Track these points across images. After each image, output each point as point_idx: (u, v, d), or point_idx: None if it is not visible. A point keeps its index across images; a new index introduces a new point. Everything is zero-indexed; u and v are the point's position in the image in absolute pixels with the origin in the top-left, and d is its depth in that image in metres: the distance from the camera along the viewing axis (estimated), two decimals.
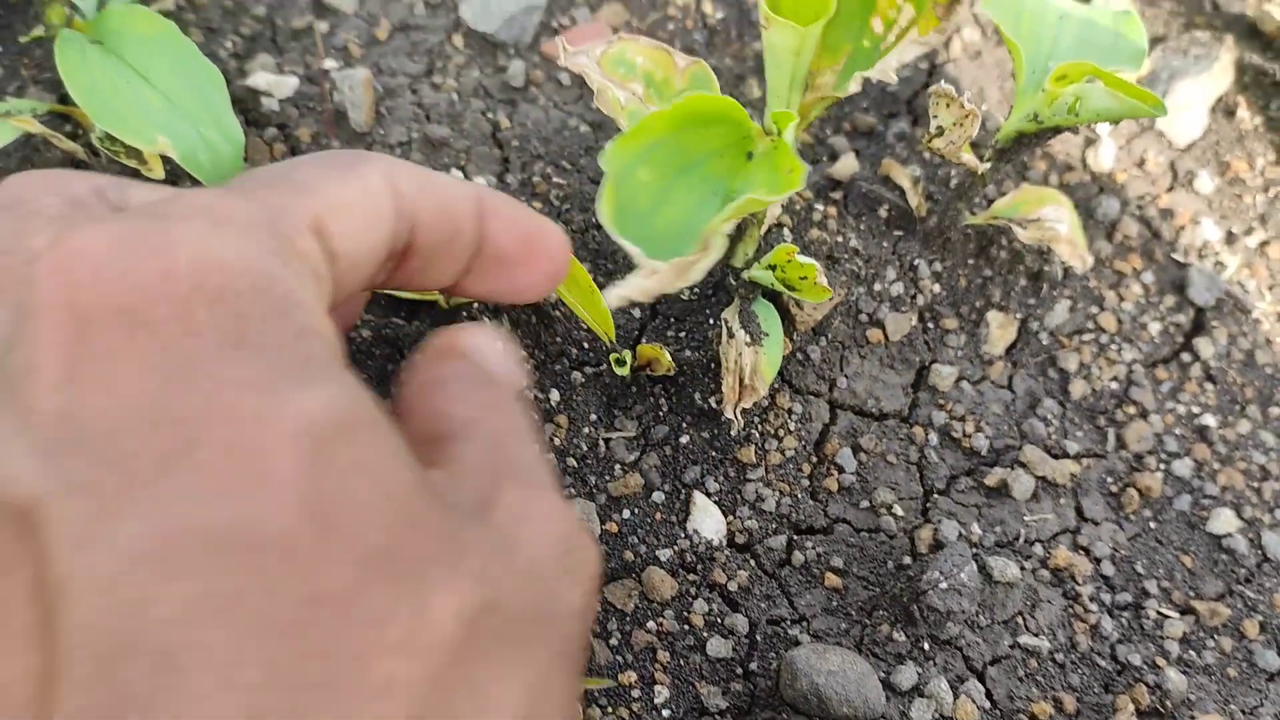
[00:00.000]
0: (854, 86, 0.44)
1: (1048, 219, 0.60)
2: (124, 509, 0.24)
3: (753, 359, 0.50)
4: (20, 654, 0.24)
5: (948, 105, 0.53)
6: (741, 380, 0.50)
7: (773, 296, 0.57)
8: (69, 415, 0.25)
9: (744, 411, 0.53)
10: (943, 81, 0.71)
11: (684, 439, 0.55)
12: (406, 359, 0.40)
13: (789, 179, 0.40)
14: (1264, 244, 0.68)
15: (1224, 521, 0.56)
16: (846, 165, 0.65)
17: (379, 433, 0.28)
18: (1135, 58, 0.58)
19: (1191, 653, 0.52)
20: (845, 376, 0.58)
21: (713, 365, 0.56)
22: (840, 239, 0.61)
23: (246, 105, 0.63)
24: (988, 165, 0.56)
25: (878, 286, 0.60)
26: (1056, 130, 0.54)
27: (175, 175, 0.58)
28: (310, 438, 0.26)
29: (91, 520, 0.24)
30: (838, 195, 0.64)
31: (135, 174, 0.58)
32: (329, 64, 0.66)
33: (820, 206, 0.62)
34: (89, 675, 0.23)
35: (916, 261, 0.61)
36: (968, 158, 0.55)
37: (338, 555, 0.25)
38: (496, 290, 0.38)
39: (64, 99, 0.64)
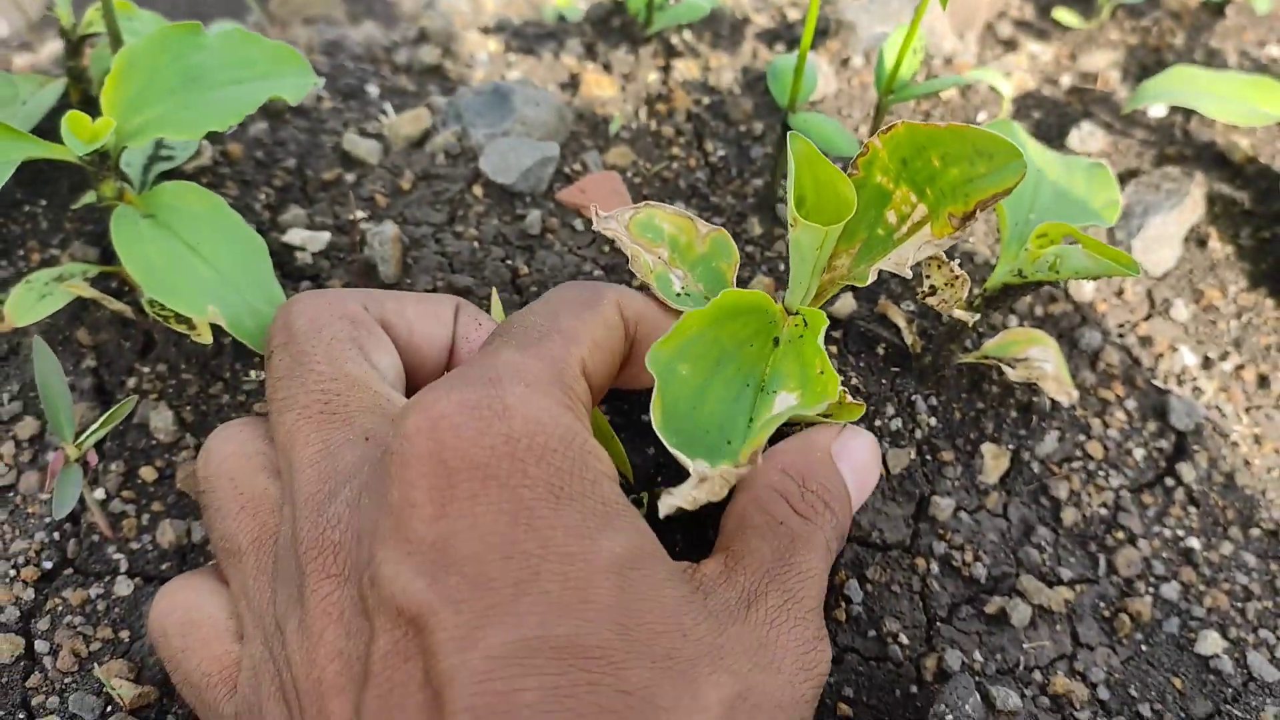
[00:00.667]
0: (871, 276, 0.48)
1: (1035, 359, 0.64)
2: (491, 621, 0.33)
3: None
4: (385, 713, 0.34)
5: (939, 268, 0.58)
6: None
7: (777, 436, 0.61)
8: (442, 544, 0.35)
9: None
10: None
11: None
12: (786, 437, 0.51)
13: (823, 383, 0.44)
14: (1239, 368, 0.72)
15: (1211, 643, 0.60)
16: (845, 304, 0.69)
17: (660, 564, 0.38)
18: (1109, 210, 0.63)
19: None
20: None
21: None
22: (842, 377, 0.64)
23: (282, 259, 0.67)
24: (977, 316, 0.61)
25: (878, 422, 0.64)
26: (1040, 284, 0.59)
27: (219, 332, 0.62)
28: (617, 573, 0.35)
29: (469, 628, 0.33)
30: (838, 334, 0.68)
31: (183, 338, 0.62)
32: (358, 214, 0.71)
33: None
34: None
35: (913, 397, 0.65)
36: (960, 314, 0.60)
37: (639, 660, 0.34)
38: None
39: (106, 255, 0.68)
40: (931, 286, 0.58)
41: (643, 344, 0.47)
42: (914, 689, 0.56)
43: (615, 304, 0.46)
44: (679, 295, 0.52)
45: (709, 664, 0.36)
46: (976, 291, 0.62)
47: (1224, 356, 0.73)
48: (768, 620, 0.41)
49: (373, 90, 0.87)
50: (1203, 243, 0.78)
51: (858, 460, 0.50)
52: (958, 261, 0.57)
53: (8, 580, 0.57)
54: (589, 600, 0.34)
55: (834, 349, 0.66)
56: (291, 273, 0.67)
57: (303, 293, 0.53)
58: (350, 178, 0.74)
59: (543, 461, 0.37)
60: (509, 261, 0.69)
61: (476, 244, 0.70)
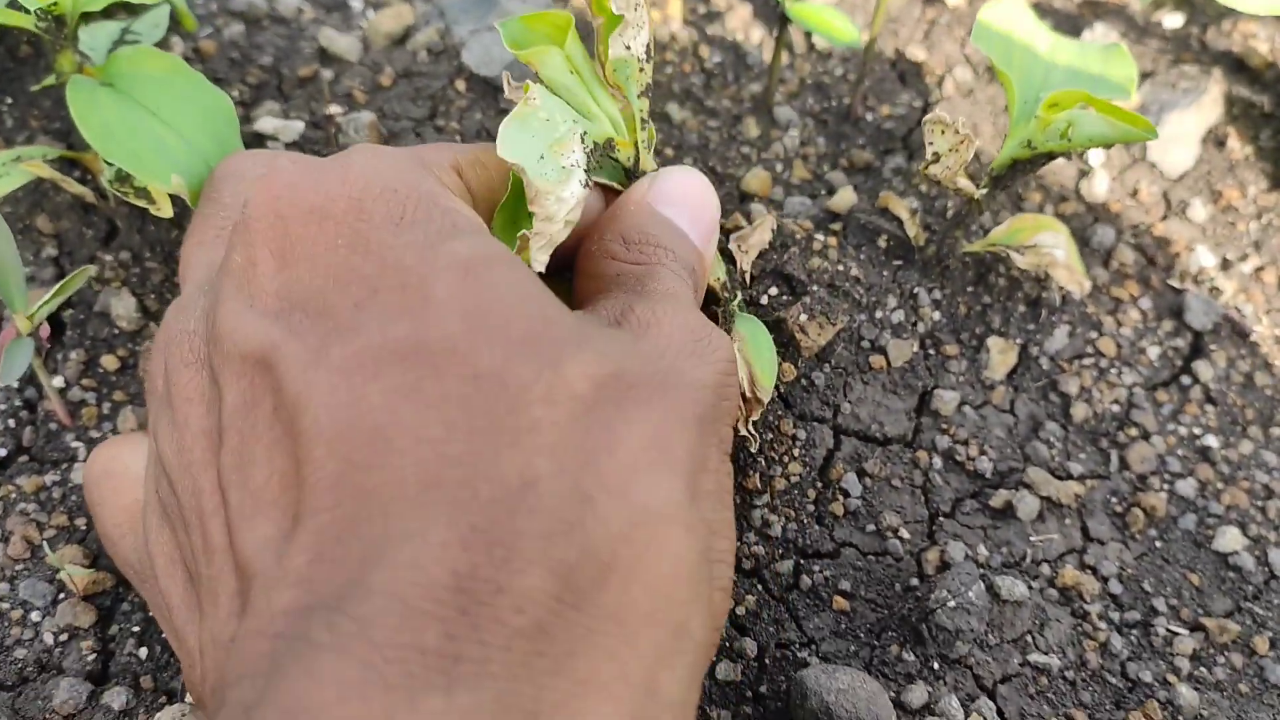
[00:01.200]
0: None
1: (1045, 245, 0.60)
2: (332, 341, 0.33)
3: (746, 371, 0.50)
4: (269, 461, 0.33)
5: (943, 132, 0.54)
6: (744, 396, 0.50)
7: (774, 326, 0.57)
8: (284, 290, 0.35)
9: (755, 426, 0.54)
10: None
11: None
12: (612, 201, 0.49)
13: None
14: (1259, 269, 0.69)
15: (1230, 539, 0.56)
16: (844, 198, 0.66)
17: (516, 265, 0.36)
18: (1125, 87, 0.59)
19: (1202, 669, 0.52)
20: (849, 403, 0.58)
21: None
22: (841, 268, 0.61)
23: (254, 148, 0.64)
24: (984, 192, 0.57)
25: (879, 314, 0.61)
26: (1050, 156, 0.55)
27: (183, 213, 0.59)
28: (460, 268, 0.34)
29: (310, 352, 0.33)
30: (837, 226, 0.64)
31: (145, 219, 0.59)
32: (334, 109, 0.68)
33: (821, 237, 0.63)
34: (327, 453, 0.31)
35: (916, 290, 0.62)
36: (964, 184, 0.56)
37: (489, 344, 0.33)
38: None
39: (72, 145, 0.65)
40: (935, 154, 0.55)
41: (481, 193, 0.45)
42: (915, 581, 0.53)
43: (483, 148, 0.46)
44: None
45: (575, 346, 0.34)
46: (984, 175, 0.59)
47: (1243, 258, 0.69)
48: (640, 323, 0.39)
49: (355, 3, 0.84)
50: (1221, 143, 0.74)
51: (675, 196, 0.47)
52: (962, 120, 0.54)
53: None
54: (429, 298, 0.34)
55: (834, 240, 0.63)
56: None
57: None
58: (328, 74, 0.71)
59: (381, 199, 0.36)
60: None
61: (459, 137, 0.67)
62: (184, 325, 0.39)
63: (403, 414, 0.31)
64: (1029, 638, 0.51)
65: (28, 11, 0.53)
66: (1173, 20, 0.86)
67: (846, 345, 0.59)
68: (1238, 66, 0.80)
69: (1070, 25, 0.86)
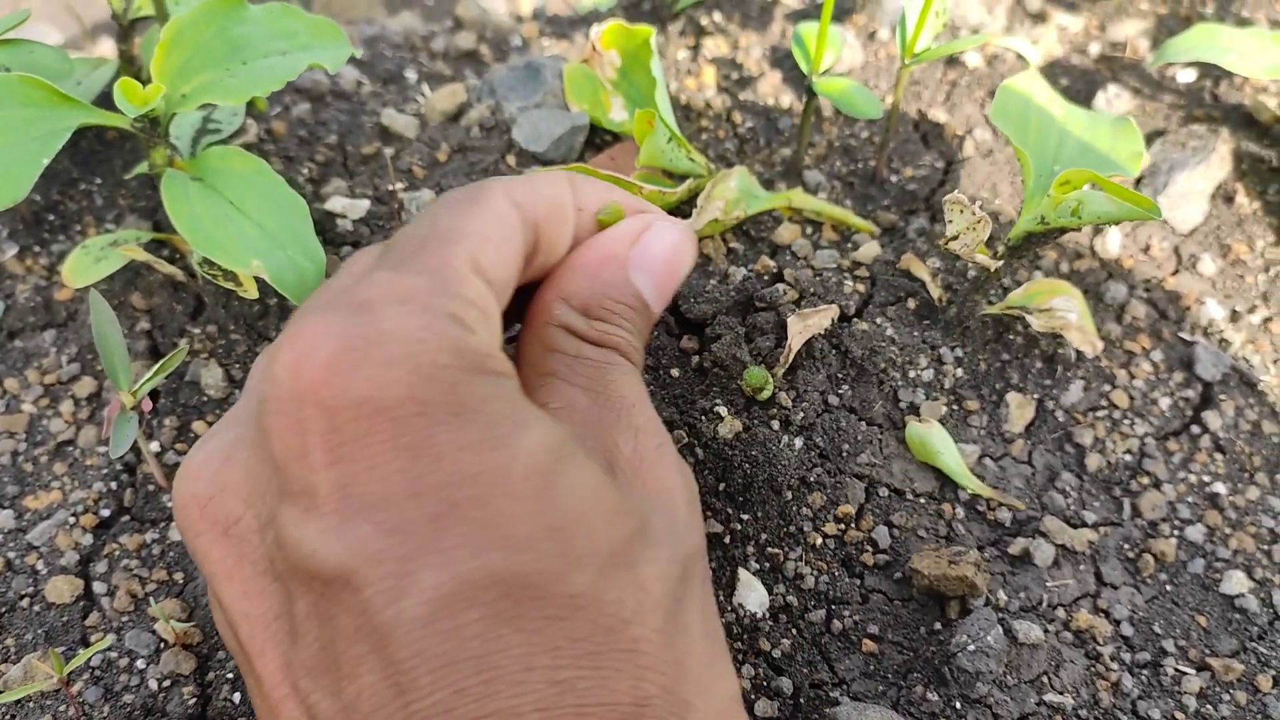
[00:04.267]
0: None
1: (1059, 309, 0.65)
2: (417, 566, 0.32)
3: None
4: (357, 676, 0.33)
5: (961, 212, 0.59)
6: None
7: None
8: (342, 493, 0.33)
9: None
10: (959, 182, 0.77)
11: (735, 524, 0.60)
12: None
13: None
14: (1267, 320, 0.73)
15: (1236, 583, 0.60)
16: (869, 250, 0.71)
17: (577, 449, 0.37)
18: (1133, 161, 0.63)
19: (1208, 706, 0.56)
20: (884, 458, 0.63)
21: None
22: (875, 327, 0.66)
23: (324, 226, 0.70)
24: (1000, 263, 0.62)
25: (912, 373, 0.65)
26: (1062, 231, 0.60)
27: (266, 292, 0.64)
28: (538, 477, 0.34)
29: (395, 579, 0.32)
30: (863, 288, 0.69)
31: (229, 296, 0.65)
32: (397, 186, 0.73)
33: (853, 285, 0.68)
34: (432, 683, 0.31)
35: (940, 349, 0.66)
36: (981, 258, 0.61)
37: (579, 566, 0.34)
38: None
39: (159, 225, 0.71)
40: (955, 233, 0.60)
41: (546, 227, 0.43)
42: (938, 625, 0.58)
43: (503, 194, 0.42)
44: None
45: (641, 543, 0.36)
46: (1000, 242, 0.63)
47: (1252, 309, 0.73)
48: (649, 467, 0.41)
49: (411, 75, 0.90)
50: (1230, 199, 0.78)
51: (658, 260, 0.46)
52: (979, 204, 0.58)
53: (68, 527, 0.60)
54: (515, 516, 0.33)
55: (865, 299, 0.68)
56: (333, 239, 0.70)
57: None
58: (389, 151, 0.77)
59: (433, 382, 0.34)
60: None
61: None
62: (202, 485, 0.38)
63: (508, 642, 0.32)
64: (1045, 678, 0.56)
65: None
66: (1185, 75, 0.90)
67: (884, 403, 0.64)
68: (1247, 121, 0.84)
69: (1087, 82, 0.90)
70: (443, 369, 0.34)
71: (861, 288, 0.68)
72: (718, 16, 0.96)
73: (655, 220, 0.47)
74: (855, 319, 0.66)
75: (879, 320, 0.66)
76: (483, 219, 0.40)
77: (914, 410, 0.64)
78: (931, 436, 0.61)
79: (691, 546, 0.40)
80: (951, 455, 0.61)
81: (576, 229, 0.46)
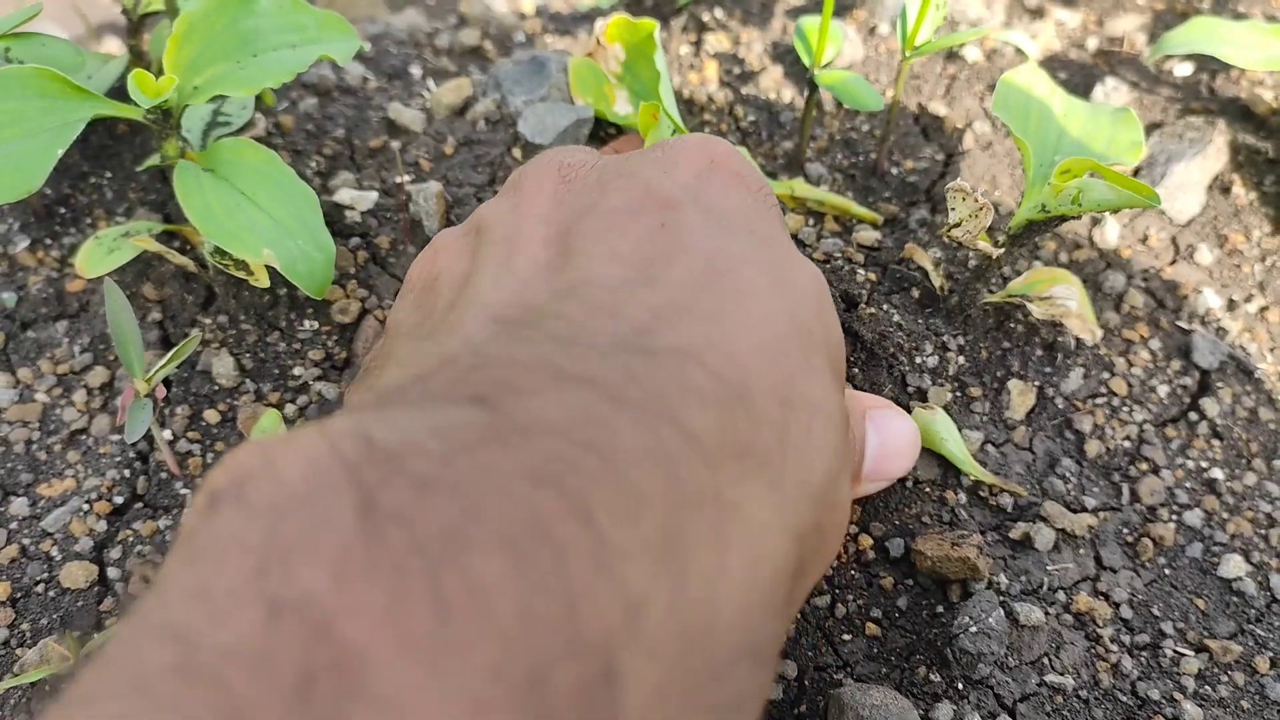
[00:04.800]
0: None
1: (1059, 297, 0.66)
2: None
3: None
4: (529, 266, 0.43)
5: (963, 199, 0.60)
6: None
7: None
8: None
9: None
10: (960, 174, 0.78)
11: None
12: None
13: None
14: (1263, 309, 0.74)
15: (1234, 566, 0.61)
16: (868, 235, 0.72)
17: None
18: (1132, 151, 0.64)
19: (1207, 687, 0.57)
20: None
21: None
22: (882, 310, 0.67)
23: (333, 218, 0.71)
24: (1002, 250, 0.63)
25: (918, 359, 0.66)
26: (1063, 219, 0.61)
27: (276, 282, 0.65)
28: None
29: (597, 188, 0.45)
30: (873, 275, 0.70)
31: (240, 286, 0.65)
32: (404, 178, 0.74)
33: (862, 273, 0.68)
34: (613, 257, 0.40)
35: (943, 336, 0.67)
36: (983, 245, 0.62)
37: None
38: None
39: (169, 217, 0.72)
40: (957, 220, 0.61)
41: None
42: (940, 609, 0.58)
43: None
44: None
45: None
46: (1001, 231, 0.64)
47: (1248, 299, 0.74)
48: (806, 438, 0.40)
49: (416, 71, 0.90)
50: (1226, 190, 0.79)
51: (890, 432, 0.52)
52: (981, 191, 0.59)
53: (82, 514, 0.60)
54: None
55: (873, 287, 0.69)
56: (342, 230, 0.71)
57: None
58: (396, 145, 0.78)
59: (808, 335, 0.40)
60: None
61: None
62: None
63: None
64: (1046, 660, 0.56)
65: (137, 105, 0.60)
66: (1183, 69, 0.91)
67: (893, 387, 0.65)
68: (1244, 114, 0.85)
69: (1085, 75, 0.91)
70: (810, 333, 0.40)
71: (872, 275, 0.69)
72: (719, 12, 0.97)
73: (890, 405, 0.55)
74: (862, 304, 0.67)
75: (885, 307, 0.67)
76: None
77: (921, 395, 0.65)
78: (936, 423, 0.62)
79: (829, 533, 0.40)
80: (955, 442, 0.62)
81: None
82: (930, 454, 0.64)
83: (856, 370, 0.65)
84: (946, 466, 0.64)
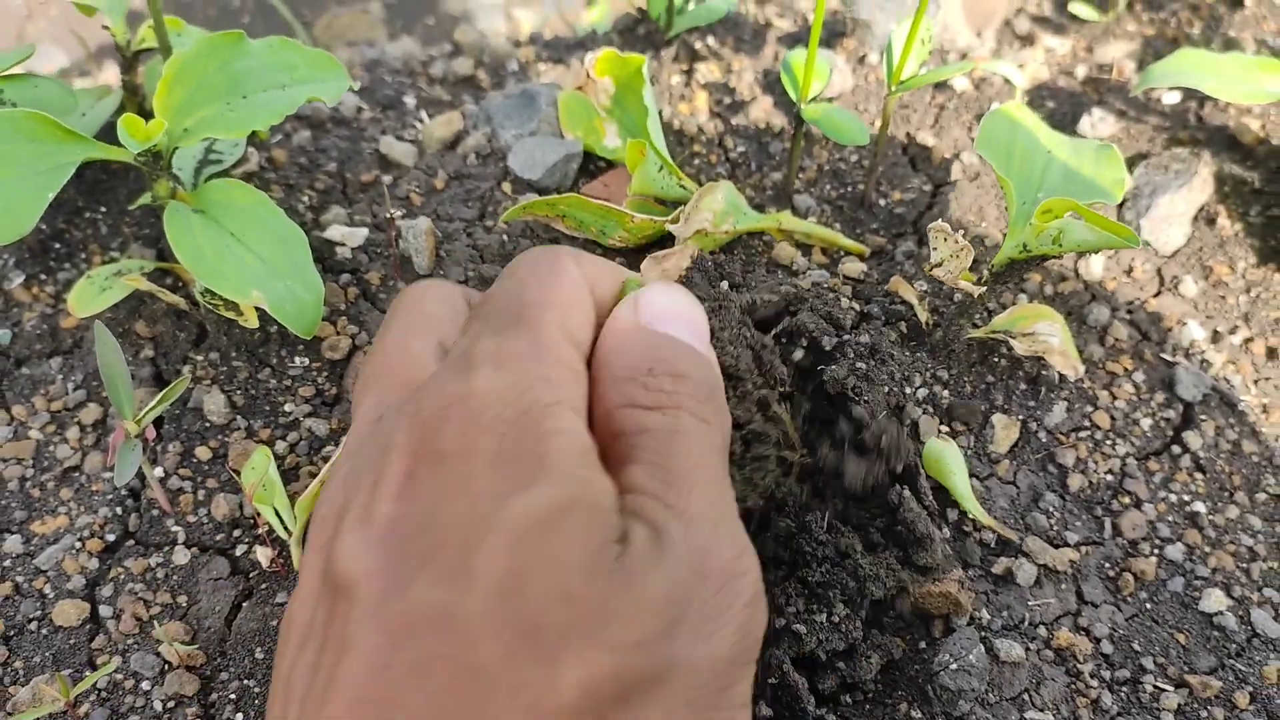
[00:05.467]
0: None
1: (1041, 333, 0.66)
2: (394, 594, 0.33)
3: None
4: (305, 677, 0.35)
5: (945, 240, 0.61)
6: None
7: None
8: (393, 522, 0.35)
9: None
10: (947, 206, 0.78)
11: None
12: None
13: None
14: (1248, 341, 0.74)
15: (1215, 600, 0.62)
16: (853, 266, 0.72)
17: (584, 516, 0.35)
18: (1115, 188, 0.65)
19: None
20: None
21: None
22: (872, 344, 0.67)
23: (323, 254, 0.72)
24: (984, 289, 0.63)
25: (909, 389, 0.67)
26: (1045, 258, 0.61)
27: (266, 320, 0.66)
28: (514, 533, 0.34)
29: (376, 601, 0.34)
30: (866, 306, 0.70)
31: (231, 324, 0.66)
32: (395, 213, 0.75)
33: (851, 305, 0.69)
34: (343, 711, 0.33)
35: (928, 370, 0.68)
36: (965, 284, 0.63)
37: (497, 633, 0.32)
38: None
39: (163, 255, 0.73)
40: (939, 259, 0.61)
41: (603, 303, 0.44)
42: (922, 644, 0.59)
43: (575, 264, 0.44)
44: None
45: (582, 636, 0.33)
46: (985, 267, 0.65)
47: (1233, 330, 0.75)
48: (679, 558, 0.36)
49: (410, 101, 0.91)
50: (1212, 221, 0.80)
51: (668, 309, 0.45)
52: (962, 233, 0.60)
53: (74, 551, 0.61)
54: (471, 568, 0.33)
55: (863, 319, 0.69)
56: (332, 266, 0.72)
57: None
58: (387, 179, 0.79)
59: (489, 432, 0.36)
60: None
61: (505, 237, 0.74)
62: (323, 502, 0.41)
63: (408, 695, 0.32)
64: (1026, 695, 0.57)
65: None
66: (1171, 97, 0.91)
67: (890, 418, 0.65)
68: (1230, 143, 0.86)
69: (1073, 104, 0.91)
70: (503, 421, 0.36)
71: (858, 305, 0.70)
72: (711, 40, 0.98)
73: (640, 288, 0.46)
74: (855, 331, 0.68)
75: (878, 341, 0.68)
76: (565, 288, 0.42)
77: (913, 425, 0.66)
78: (947, 455, 0.62)
79: (670, 669, 0.35)
80: (962, 477, 0.63)
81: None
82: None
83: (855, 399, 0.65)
84: (946, 499, 0.64)
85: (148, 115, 0.78)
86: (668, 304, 0.45)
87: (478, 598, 0.33)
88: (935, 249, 0.61)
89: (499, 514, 0.34)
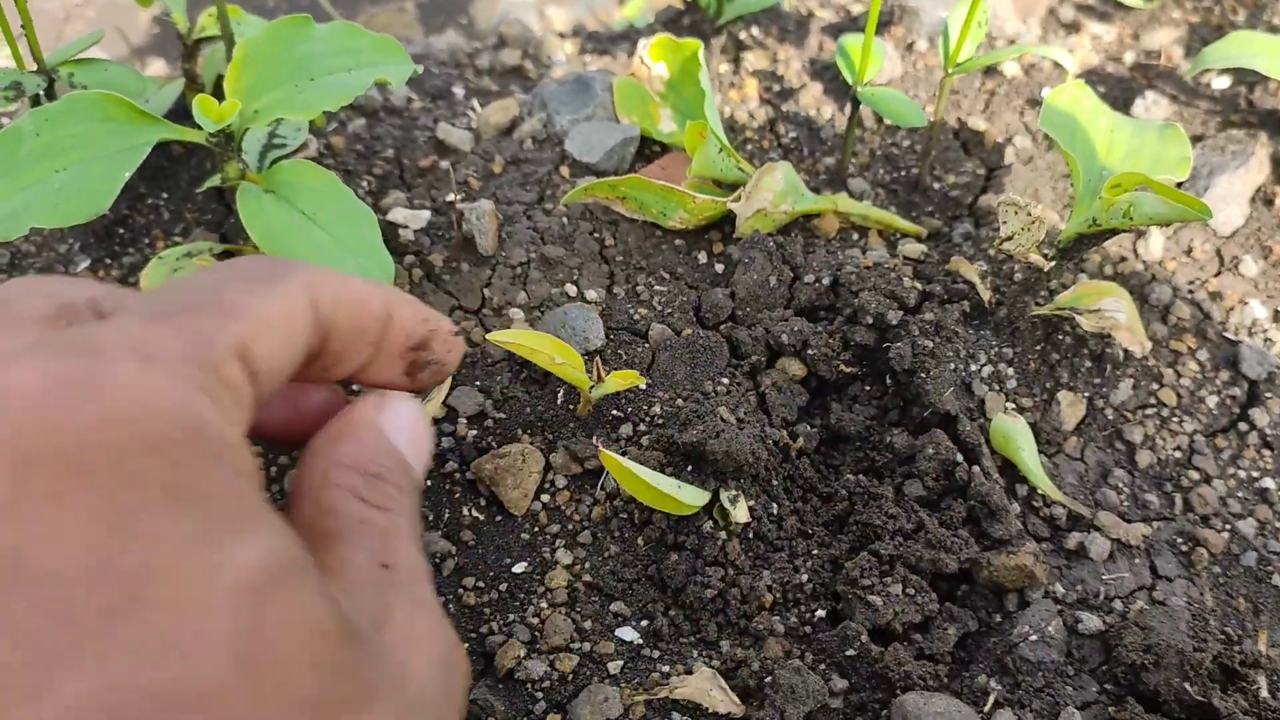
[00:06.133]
0: None
1: (1108, 309, 0.66)
2: (69, 662, 0.26)
3: None
4: None
5: (1015, 213, 0.61)
6: None
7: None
8: (13, 557, 0.27)
9: None
10: (1001, 188, 0.78)
11: None
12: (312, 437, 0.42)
13: None
14: None
15: None
16: (913, 248, 0.73)
17: (306, 578, 0.30)
18: (1180, 166, 0.65)
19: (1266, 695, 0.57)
20: None
21: None
22: (940, 320, 0.67)
23: (387, 236, 0.72)
24: (1053, 264, 0.63)
25: (973, 366, 0.67)
26: (1114, 232, 0.61)
27: None
28: (245, 592, 0.28)
29: (38, 670, 0.25)
30: (921, 284, 0.70)
31: None
32: (455, 197, 0.75)
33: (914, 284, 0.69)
34: None
35: (993, 348, 0.68)
36: (1035, 258, 0.62)
37: (268, 708, 0.27)
38: (393, 380, 0.43)
39: (226, 238, 0.74)
40: (1010, 233, 0.61)
41: (338, 340, 0.39)
42: (999, 618, 0.59)
43: (304, 285, 0.37)
44: None
45: (355, 713, 0.30)
46: (1049, 244, 0.65)
47: None
48: (403, 643, 0.34)
49: (459, 91, 0.92)
50: (1269, 201, 0.80)
51: (406, 426, 0.43)
52: (1035, 205, 0.60)
53: None
54: (204, 632, 0.27)
55: (925, 299, 0.69)
56: (395, 249, 0.72)
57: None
58: (445, 164, 0.79)
59: (155, 455, 0.28)
60: (596, 235, 0.73)
61: (565, 220, 0.74)
62: None
63: None
64: (1104, 668, 0.57)
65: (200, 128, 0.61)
66: (1220, 82, 0.91)
67: (957, 394, 0.65)
68: None
69: (1124, 89, 0.91)
70: (170, 443, 0.29)
71: (920, 285, 0.70)
72: (756, 30, 0.98)
73: (390, 395, 0.44)
74: (919, 312, 0.68)
75: (941, 322, 0.68)
76: (269, 305, 0.35)
77: (981, 404, 0.66)
78: (1017, 432, 0.62)
79: None
80: (1031, 453, 0.62)
81: (386, 345, 0.42)
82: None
83: (923, 376, 0.65)
84: (1013, 476, 0.64)
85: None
86: (407, 422, 0.43)
87: (223, 670, 0.27)
88: (1005, 222, 0.61)
89: (219, 565, 0.28)
